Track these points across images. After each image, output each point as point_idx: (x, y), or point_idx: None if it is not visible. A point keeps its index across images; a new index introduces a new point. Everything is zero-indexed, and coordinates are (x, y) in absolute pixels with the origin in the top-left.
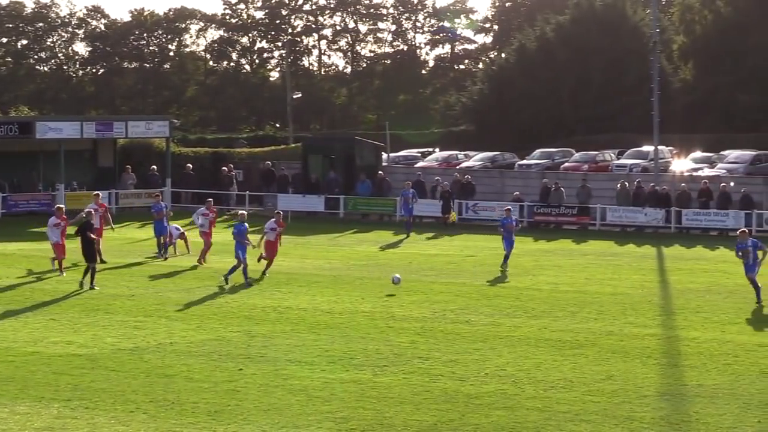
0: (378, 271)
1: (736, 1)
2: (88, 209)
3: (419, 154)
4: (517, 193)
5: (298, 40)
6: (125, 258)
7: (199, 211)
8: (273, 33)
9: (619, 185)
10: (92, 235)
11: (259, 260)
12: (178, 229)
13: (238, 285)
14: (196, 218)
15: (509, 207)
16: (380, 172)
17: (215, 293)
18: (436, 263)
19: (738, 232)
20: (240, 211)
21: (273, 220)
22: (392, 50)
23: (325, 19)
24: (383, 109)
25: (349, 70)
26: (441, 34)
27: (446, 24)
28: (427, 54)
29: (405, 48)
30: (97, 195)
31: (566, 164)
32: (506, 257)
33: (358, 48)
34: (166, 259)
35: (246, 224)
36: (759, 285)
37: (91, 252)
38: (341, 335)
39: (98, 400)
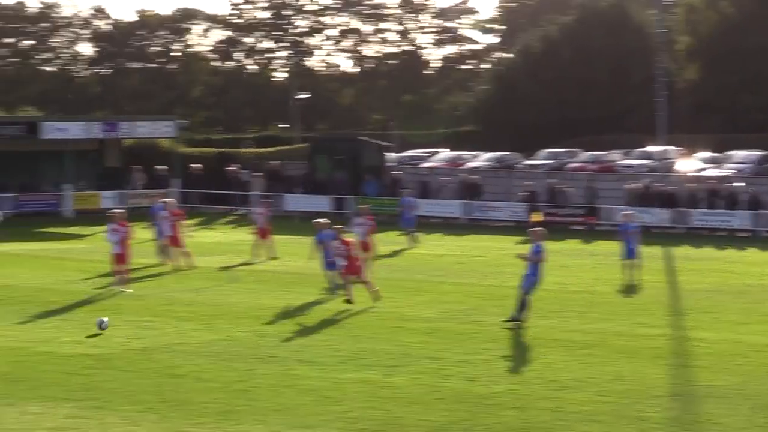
0: (384, 272)
1: (739, 1)
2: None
3: (427, 155)
4: (525, 193)
5: (303, 40)
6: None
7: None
8: (278, 33)
9: (631, 185)
10: None
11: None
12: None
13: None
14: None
15: (630, 212)
16: (395, 172)
17: (224, 293)
18: (444, 263)
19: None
20: (319, 219)
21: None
22: (397, 50)
23: (329, 20)
24: (388, 110)
25: (354, 70)
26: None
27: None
28: (431, 54)
29: (410, 48)
30: (172, 202)
31: (572, 164)
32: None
33: (362, 48)
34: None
35: (326, 231)
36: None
37: None
38: (350, 335)
39: (109, 400)
